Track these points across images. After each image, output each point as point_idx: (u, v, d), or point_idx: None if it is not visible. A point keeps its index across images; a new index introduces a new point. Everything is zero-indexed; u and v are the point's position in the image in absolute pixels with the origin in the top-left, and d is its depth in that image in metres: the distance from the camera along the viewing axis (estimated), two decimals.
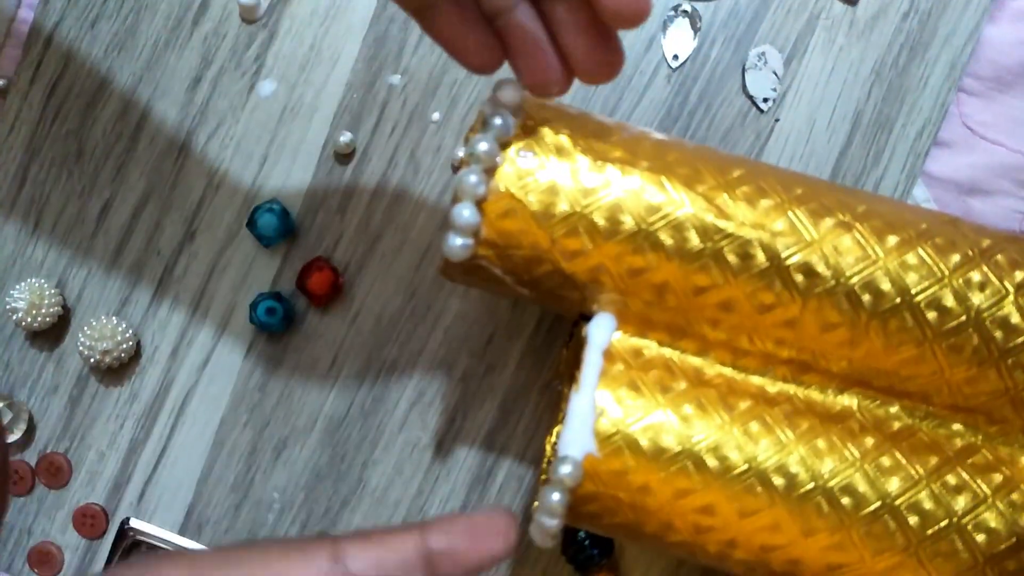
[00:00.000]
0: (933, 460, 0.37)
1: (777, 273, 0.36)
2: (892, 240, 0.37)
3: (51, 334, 0.51)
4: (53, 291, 0.50)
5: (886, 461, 0.36)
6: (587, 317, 0.39)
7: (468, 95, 0.50)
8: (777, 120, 0.49)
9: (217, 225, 0.51)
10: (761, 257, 0.36)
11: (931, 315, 0.36)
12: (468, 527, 0.31)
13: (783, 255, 0.36)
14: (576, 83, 0.48)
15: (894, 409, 0.38)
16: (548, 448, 0.43)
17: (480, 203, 0.36)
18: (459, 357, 0.50)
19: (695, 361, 0.38)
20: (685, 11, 0.48)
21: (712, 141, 0.49)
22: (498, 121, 0.36)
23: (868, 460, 0.36)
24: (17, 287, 0.50)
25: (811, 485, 0.36)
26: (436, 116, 0.50)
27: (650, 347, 0.38)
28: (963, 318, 0.36)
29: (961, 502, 0.36)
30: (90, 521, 0.51)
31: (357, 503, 0.51)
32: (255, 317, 0.49)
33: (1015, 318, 0.36)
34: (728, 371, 0.38)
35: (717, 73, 0.49)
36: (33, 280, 0.50)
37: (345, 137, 0.49)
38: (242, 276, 0.51)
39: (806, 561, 0.36)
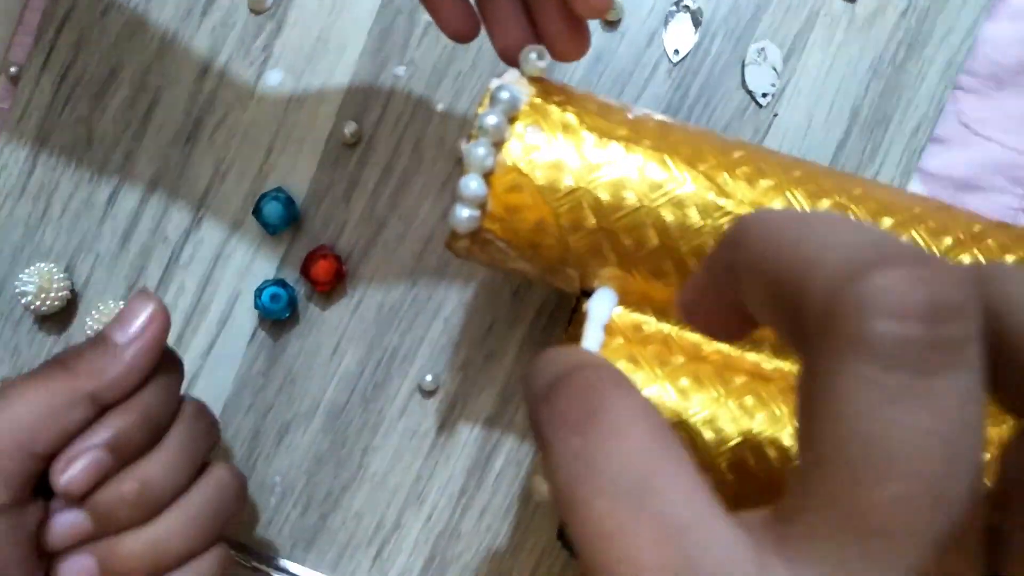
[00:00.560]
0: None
1: None
2: (887, 222, 0.37)
3: (59, 318, 0.52)
4: (62, 275, 0.51)
5: None
6: (588, 294, 0.39)
7: (472, 87, 0.50)
8: (776, 115, 0.50)
9: (223, 212, 0.51)
10: None
11: None
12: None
13: None
14: (577, 75, 0.49)
15: None
16: None
17: (487, 176, 0.37)
18: (460, 345, 0.51)
19: (693, 337, 0.39)
20: (686, 6, 0.49)
21: None
22: (505, 95, 0.37)
23: None
24: (26, 271, 0.50)
25: None
26: (440, 107, 0.51)
27: (649, 322, 0.39)
28: None
29: None
30: None
31: (357, 488, 0.51)
32: (259, 304, 0.50)
33: None
34: (725, 348, 0.39)
35: (717, 68, 0.50)
36: (42, 264, 0.51)
37: (350, 127, 0.50)
38: (247, 263, 0.52)
39: None
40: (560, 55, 0.39)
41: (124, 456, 0.39)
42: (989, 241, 0.38)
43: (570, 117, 0.38)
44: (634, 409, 0.20)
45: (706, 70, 0.50)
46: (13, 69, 0.52)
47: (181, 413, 0.43)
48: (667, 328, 0.39)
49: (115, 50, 0.51)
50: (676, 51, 0.50)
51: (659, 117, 0.40)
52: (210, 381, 0.52)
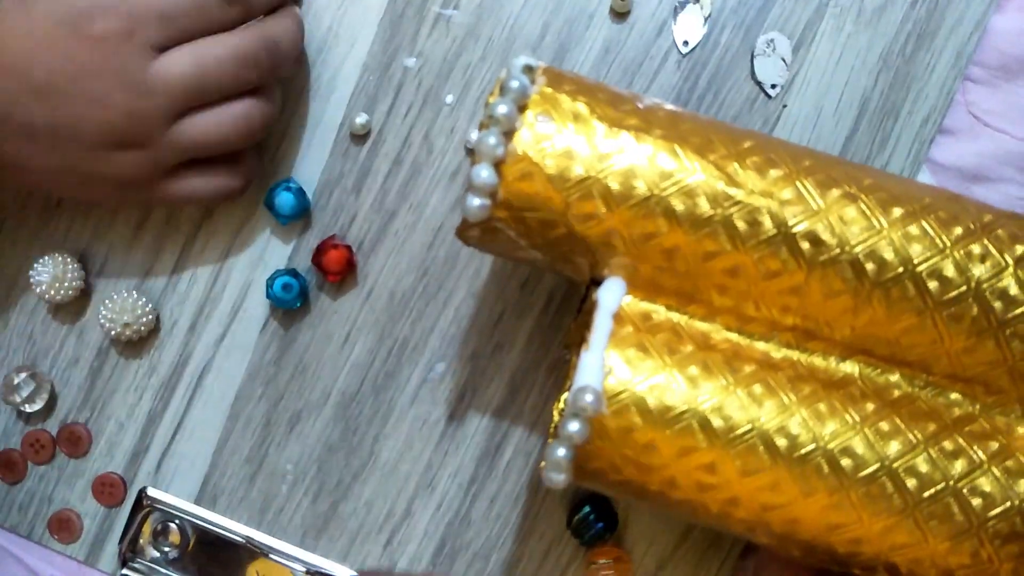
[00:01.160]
0: (931, 427, 0.38)
1: (784, 241, 0.37)
2: (896, 212, 0.38)
3: (73, 307, 0.53)
4: (76, 265, 0.51)
5: (885, 426, 0.37)
6: (597, 282, 0.40)
7: (482, 78, 0.51)
8: (785, 106, 0.50)
9: (235, 203, 0.52)
10: (769, 224, 0.37)
11: (932, 285, 0.37)
12: None
13: (790, 223, 0.37)
14: (586, 66, 0.49)
15: (894, 377, 0.39)
16: (556, 415, 0.44)
17: (498, 165, 0.37)
18: (469, 335, 0.51)
19: (702, 326, 0.39)
20: None
21: None
22: (515, 84, 0.37)
23: (868, 424, 0.37)
24: (41, 261, 0.51)
25: (812, 447, 0.37)
26: (450, 98, 0.51)
27: (659, 311, 0.39)
28: (963, 288, 0.37)
29: (957, 467, 0.37)
30: (109, 489, 0.53)
31: (368, 476, 0.52)
32: (271, 293, 0.50)
33: (1014, 290, 0.37)
34: (734, 336, 0.39)
35: (726, 59, 0.50)
36: (56, 254, 0.51)
37: (361, 118, 0.50)
38: (259, 253, 0.52)
39: (805, 521, 0.37)
40: None
41: None
42: (999, 231, 0.38)
43: (581, 106, 0.38)
44: None
45: (715, 61, 0.50)
46: None
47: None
48: (676, 317, 0.39)
49: None
50: (685, 42, 0.50)
51: (669, 107, 0.40)
52: (222, 370, 0.52)
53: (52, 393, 0.53)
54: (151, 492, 0.52)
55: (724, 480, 0.37)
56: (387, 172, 0.51)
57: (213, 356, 0.52)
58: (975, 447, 0.38)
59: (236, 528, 0.52)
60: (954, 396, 0.39)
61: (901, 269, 0.37)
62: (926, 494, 0.37)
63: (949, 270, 0.37)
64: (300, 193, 0.50)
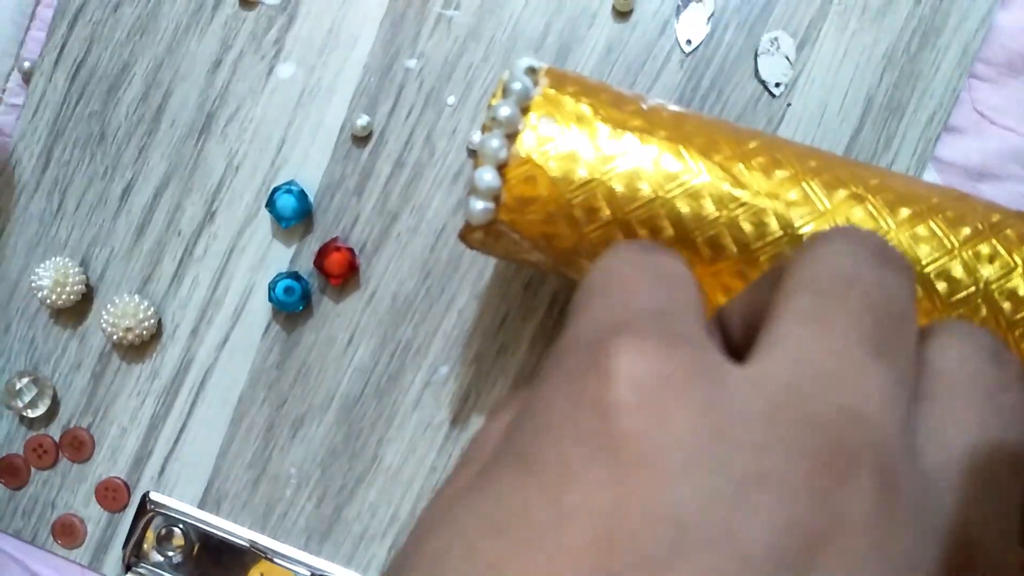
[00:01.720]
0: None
1: (790, 242, 0.37)
2: (904, 212, 0.37)
3: (75, 312, 0.52)
4: (77, 270, 0.51)
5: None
6: None
7: (483, 79, 0.50)
8: (789, 105, 0.49)
9: (236, 206, 0.52)
10: (775, 226, 0.37)
11: (940, 286, 0.37)
12: None
13: (797, 224, 0.37)
14: (589, 66, 0.49)
15: None
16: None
17: (501, 168, 0.37)
18: (472, 337, 0.51)
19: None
20: None
21: None
22: (517, 86, 0.37)
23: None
24: (42, 265, 0.51)
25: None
26: (451, 100, 0.50)
27: None
28: (972, 289, 0.37)
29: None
30: (112, 494, 0.53)
31: (372, 480, 0.51)
32: (273, 296, 0.50)
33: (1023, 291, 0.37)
34: None
35: (730, 58, 0.49)
36: (57, 259, 0.51)
37: (362, 120, 0.50)
38: (261, 256, 0.52)
39: None
40: None
41: None
42: (1008, 231, 0.38)
43: (584, 108, 0.38)
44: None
45: (719, 60, 0.49)
46: (26, 64, 0.52)
47: None
48: None
49: (127, 45, 0.52)
50: (688, 41, 0.49)
51: (673, 107, 0.40)
52: (225, 374, 0.52)
53: (54, 398, 0.53)
54: (154, 497, 0.52)
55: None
56: (389, 174, 0.51)
57: (215, 360, 0.52)
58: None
59: (240, 532, 0.52)
60: None
61: None
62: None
63: (957, 271, 0.37)
64: (302, 196, 0.50)
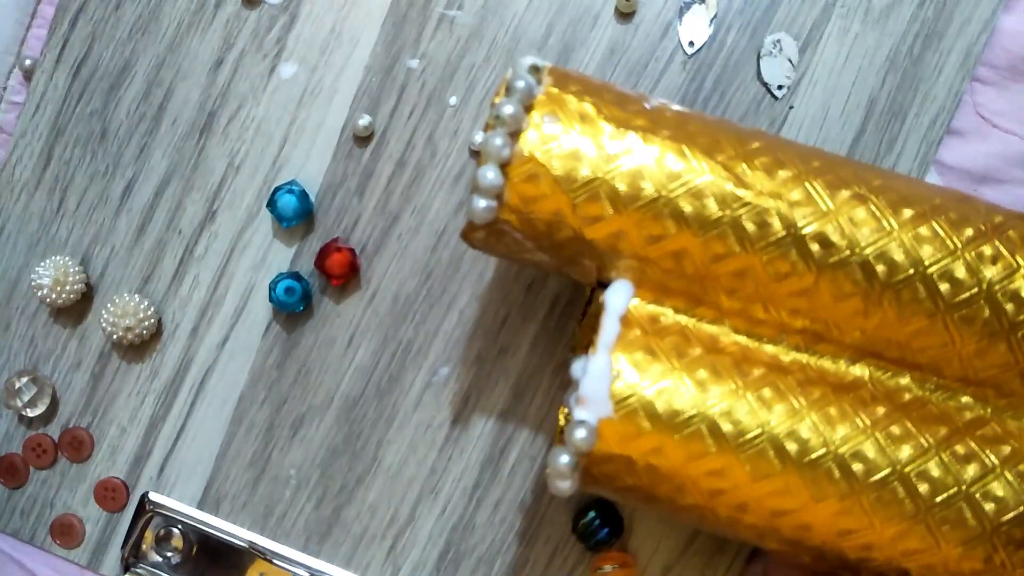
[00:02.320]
0: (943, 431, 0.37)
1: (793, 242, 0.37)
2: (907, 213, 0.37)
3: (75, 311, 0.52)
4: (77, 268, 0.51)
5: (896, 430, 0.37)
6: (604, 285, 0.39)
7: (485, 80, 0.50)
8: (791, 107, 0.49)
9: (237, 205, 0.51)
10: (778, 226, 0.37)
11: (943, 287, 0.37)
12: None
13: (799, 224, 0.37)
14: (591, 68, 0.49)
15: (905, 380, 0.39)
16: (561, 418, 0.43)
17: (504, 166, 0.37)
18: (473, 338, 0.51)
19: (710, 329, 0.39)
20: None
21: None
22: (521, 84, 0.37)
23: (879, 428, 0.37)
24: (42, 264, 0.50)
25: (822, 451, 0.36)
26: (453, 100, 0.50)
27: (666, 314, 0.39)
28: (975, 290, 0.37)
29: (970, 471, 0.37)
30: (111, 494, 0.52)
31: (372, 480, 0.51)
32: (274, 296, 0.50)
33: None
34: (743, 339, 0.39)
35: (732, 60, 0.49)
36: (58, 258, 0.51)
37: (364, 120, 0.50)
38: (261, 256, 0.52)
39: (816, 526, 0.37)
40: None
41: None
42: (1010, 233, 0.38)
43: (587, 107, 0.38)
44: None
45: (721, 62, 0.49)
46: (28, 62, 0.52)
47: None
48: (684, 319, 0.39)
49: (129, 43, 0.51)
50: (691, 43, 0.49)
51: (676, 107, 0.40)
52: (225, 373, 0.52)
53: (54, 397, 0.52)
54: (153, 497, 0.52)
55: (733, 485, 0.37)
56: (390, 174, 0.51)
57: (216, 360, 0.52)
58: (987, 451, 0.37)
59: (239, 533, 0.51)
60: (965, 399, 0.39)
61: (912, 271, 0.37)
62: (938, 499, 0.36)
63: (960, 272, 0.37)
64: (303, 196, 0.50)
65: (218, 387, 0.52)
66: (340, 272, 0.50)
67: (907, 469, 0.37)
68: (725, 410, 0.37)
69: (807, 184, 0.37)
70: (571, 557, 0.51)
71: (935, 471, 0.37)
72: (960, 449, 0.37)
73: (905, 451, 0.37)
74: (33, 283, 0.50)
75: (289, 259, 0.51)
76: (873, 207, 0.37)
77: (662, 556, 0.50)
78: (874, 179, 0.38)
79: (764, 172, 0.37)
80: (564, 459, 0.37)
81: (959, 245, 0.37)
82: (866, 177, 0.38)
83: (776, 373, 0.38)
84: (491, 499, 0.51)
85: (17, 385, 0.51)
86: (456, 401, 0.51)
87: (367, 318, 0.51)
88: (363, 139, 0.51)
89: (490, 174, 0.36)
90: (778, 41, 0.49)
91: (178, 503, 0.52)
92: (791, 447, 0.36)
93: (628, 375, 0.37)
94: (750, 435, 0.36)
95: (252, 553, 0.51)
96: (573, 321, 0.50)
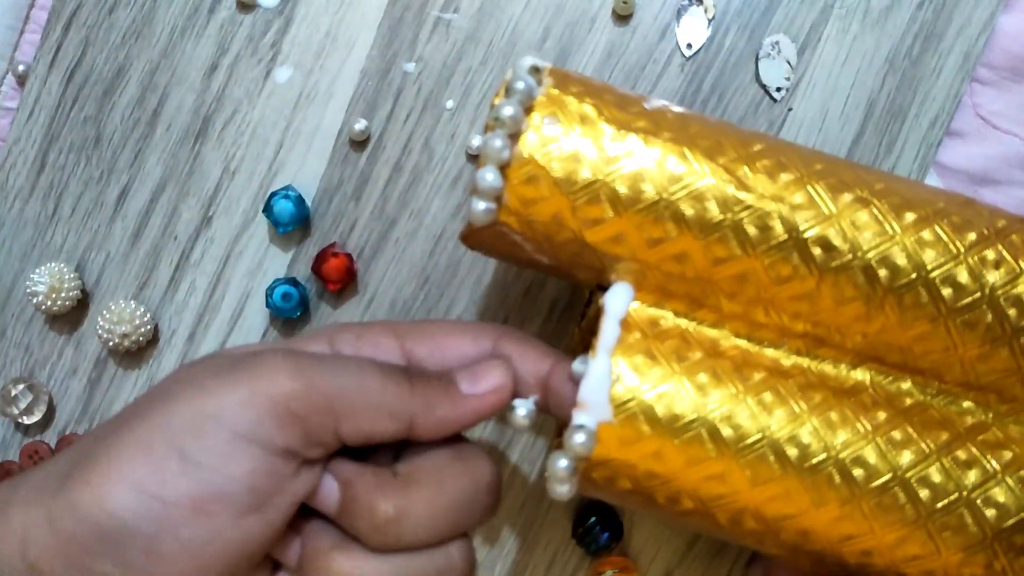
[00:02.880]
0: (944, 436, 0.37)
1: (795, 246, 0.37)
2: (909, 217, 0.37)
3: (70, 317, 0.52)
4: (72, 275, 0.51)
5: (898, 435, 0.37)
6: (604, 288, 0.39)
7: (482, 83, 0.50)
8: (790, 109, 0.49)
9: (233, 211, 0.51)
10: (780, 229, 0.37)
11: (946, 291, 0.37)
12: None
13: (801, 228, 0.37)
14: (588, 70, 0.48)
15: (906, 385, 0.38)
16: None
17: (503, 168, 0.37)
18: None
19: (711, 332, 0.39)
20: (699, 0, 0.49)
21: None
22: (521, 85, 0.36)
23: (880, 433, 0.37)
24: (37, 271, 0.50)
25: (823, 456, 0.36)
26: (450, 104, 0.50)
27: (667, 317, 0.38)
28: (977, 295, 0.37)
29: (971, 477, 0.36)
30: None
31: None
32: (271, 302, 0.49)
33: None
34: (743, 343, 0.39)
35: (730, 62, 0.49)
36: (52, 264, 0.50)
37: (360, 124, 0.50)
38: (258, 262, 0.51)
39: (816, 532, 0.36)
40: None
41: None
42: (1014, 237, 0.37)
43: (588, 108, 0.37)
44: None
45: (719, 64, 0.49)
46: (21, 68, 0.52)
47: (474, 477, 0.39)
48: (684, 323, 0.39)
49: (122, 49, 0.51)
50: (689, 45, 0.49)
51: (677, 109, 0.39)
52: None
53: (50, 404, 0.52)
54: None
55: (734, 490, 0.36)
56: (387, 179, 0.50)
57: None
58: (989, 457, 0.37)
59: None
60: (967, 404, 0.38)
61: (914, 275, 0.37)
62: (939, 504, 0.36)
63: (963, 276, 0.37)
64: (299, 201, 0.49)
65: None
66: (337, 277, 0.49)
67: (908, 474, 0.36)
68: (725, 414, 0.36)
69: (809, 187, 0.37)
70: (571, 562, 0.51)
71: (936, 476, 0.36)
72: (961, 454, 0.37)
73: (906, 456, 0.36)
74: (28, 290, 0.50)
75: (286, 264, 0.51)
76: (876, 211, 0.37)
77: (662, 561, 0.50)
78: (876, 182, 0.38)
79: (766, 175, 0.37)
80: (563, 463, 0.36)
81: (962, 249, 0.37)
82: (868, 180, 0.38)
83: (777, 377, 0.37)
84: None
85: (13, 392, 0.51)
86: None
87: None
88: (359, 143, 0.51)
89: (489, 176, 0.36)
90: (776, 43, 0.49)
91: None
92: (791, 452, 0.36)
93: (628, 379, 0.37)
94: (750, 440, 0.36)
95: None
96: (572, 325, 0.50)
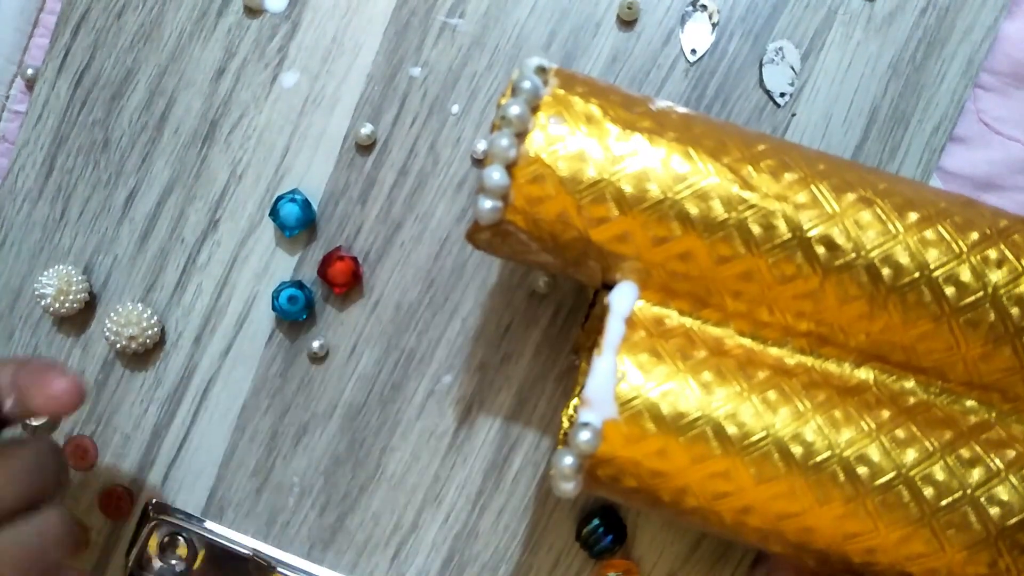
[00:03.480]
0: (948, 435, 0.37)
1: (799, 245, 0.37)
2: (912, 216, 0.37)
3: (78, 320, 0.52)
4: (80, 278, 0.51)
5: (901, 433, 0.37)
6: (609, 286, 0.39)
7: (487, 88, 0.50)
8: (794, 114, 0.49)
9: (240, 214, 0.51)
10: (784, 228, 0.37)
11: (949, 290, 0.37)
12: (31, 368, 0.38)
13: (805, 227, 0.37)
14: (593, 75, 0.49)
15: (909, 384, 0.39)
16: (565, 421, 0.43)
17: (510, 167, 0.37)
18: (476, 346, 0.51)
19: (715, 331, 0.39)
20: (703, 5, 0.49)
21: None
22: (527, 85, 0.37)
23: (884, 432, 0.37)
24: (45, 274, 0.50)
25: (827, 454, 0.36)
26: (455, 108, 0.50)
27: (671, 316, 0.39)
28: (980, 294, 0.37)
29: (975, 475, 0.37)
30: (115, 502, 0.52)
31: (375, 488, 0.51)
32: (277, 305, 0.50)
33: None
34: (747, 342, 0.39)
35: (735, 68, 0.49)
36: (61, 267, 0.51)
37: (366, 128, 0.50)
38: (264, 265, 0.52)
39: (820, 529, 0.37)
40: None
41: None
42: (1015, 236, 0.38)
43: (593, 108, 0.38)
44: None
45: (723, 69, 0.50)
46: (30, 71, 0.52)
47: (36, 443, 0.40)
48: (689, 322, 0.39)
49: (131, 53, 0.52)
50: (693, 50, 0.49)
51: (682, 110, 0.40)
52: (228, 382, 0.52)
53: None
54: (157, 505, 0.52)
55: (738, 488, 0.37)
56: (393, 183, 0.51)
57: (219, 368, 0.52)
58: (992, 455, 0.37)
59: (243, 541, 0.51)
60: (969, 403, 0.38)
61: (917, 274, 0.37)
62: (943, 503, 0.36)
63: (966, 275, 0.37)
64: (305, 204, 0.50)
65: (221, 395, 0.52)
66: (343, 281, 0.50)
67: (912, 473, 0.36)
68: (730, 412, 0.37)
69: (813, 187, 0.37)
70: (574, 565, 0.51)
71: (940, 475, 0.37)
72: (965, 453, 0.37)
73: (910, 455, 0.37)
74: (36, 292, 0.50)
75: (292, 268, 0.51)
76: (879, 210, 0.37)
77: (665, 563, 0.50)
78: (880, 182, 0.38)
79: (770, 175, 0.37)
80: (568, 461, 0.36)
81: (964, 249, 0.37)
82: (871, 180, 0.38)
83: (781, 376, 0.38)
84: (495, 506, 0.51)
85: None
86: (459, 409, 0.51)
87: (370, 326, 0.51)
88: (365, 148, 0.51)
89: (496, 174, 0.36)
90: (780, 48, 0.49)
91: (182, 511, 0.52)
92: (796, 450, 0.36)
93: (633, 377, 0.37)
94: (755, 438, 0.36)
95: (256, 561, 0.51)
96: (576, 328, 0.50)
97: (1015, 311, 0.37)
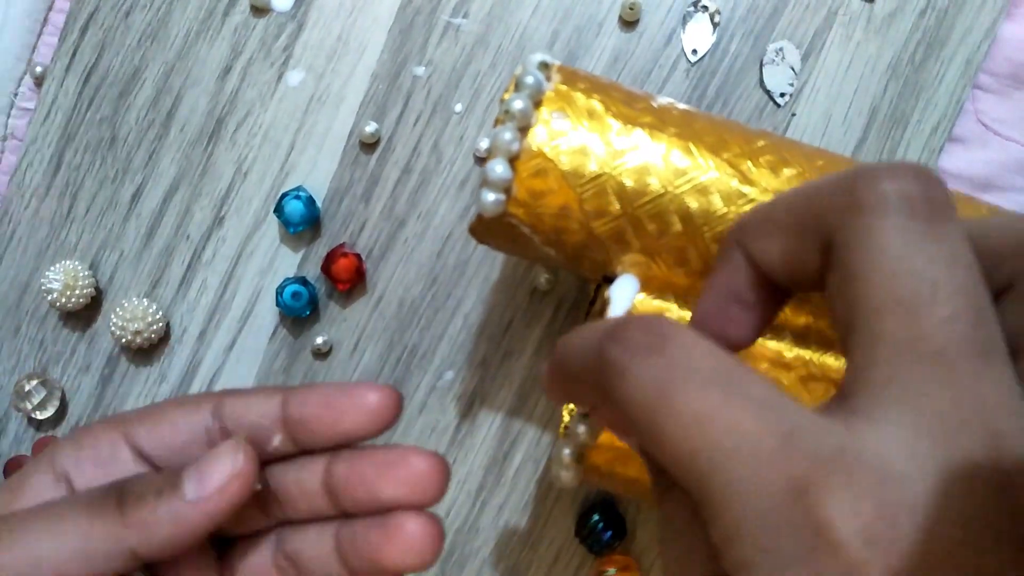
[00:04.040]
0: None
1: None
2: None
3: (84, 315, 0.53)
4: (86, 273, 0.51)
5: None
6: (610, 280, 0.40)
7: (491, 87, 0.51)
8: (794, 114, 0.50)
9: (245, 211, 0.52)
10: None
11: None
12: (325, 396, 0.32)
13: None
14: (596, 73, 0.49)
15: None
16: (565, 415, 0.44)
17: (513, 161, 0.37)
18: (478, 342, 0.51)
19: None
20: (704, 6, 0.49)
21: None
22: (530, 80, 0.37)
23: None
24: (52, 269, 0.51)
25: None
26: (459, 107, 0.51)
27: (671, 309, 0.39)
28: None
29: None
30: None
31: None
32: (281, 301, 0.50)
33: None
34: None
35: (735, 68, 0.50)
36: (67, 262, 0.51)
37: (370, 127, 0.51)
38: (268, 261, 0.52)
39: None
40: None
41: None
42: None
43: (596, 103, 0.38)
44: (694, 334, 0.22)
45: (724, 70, 0.50)
46: (38, 69, 0.53)
47: None
48: (689, 314, 0.39)
49: (138, 51, 0.52)
50: (694, 51, 0.50)
51: (683, 106, 0.40)
52: (232, 377, 0.52)
53: (63, 400, 0.53)
54: None
55: None
56: (396, 180, 0.51)
57: (223, 364, 0.52)
58: None
59: None
60: None
61: None
62: None
63: None
64: (310, 202, 0.50)
65: None
66: (346, 277, 0.50)
67: None
68: None
69: None
70: (574, 560, 0.51)
71: None
72: None
73: None
74: (43, 287, 0.51)
75: (296, 264, 0.52)
76: None
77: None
78: None
79: (769, 170, 0.38)
80: (567, 451, 0.37)
81: None
82: None
83: (779, 369, 0.38)
84: (495, 502, 0.51)
85: (27, 388, 0.52)
86: (461, 405, 0.51)
87: (373, 322, 0.52)
88: (369, 146, 0.51)
89: (499, 168, 0.37)
90: (780, 49, 0.49)
91: None
92: None
93: None
94: None
95: None
96: (577, 325, 0.51)
97: None
